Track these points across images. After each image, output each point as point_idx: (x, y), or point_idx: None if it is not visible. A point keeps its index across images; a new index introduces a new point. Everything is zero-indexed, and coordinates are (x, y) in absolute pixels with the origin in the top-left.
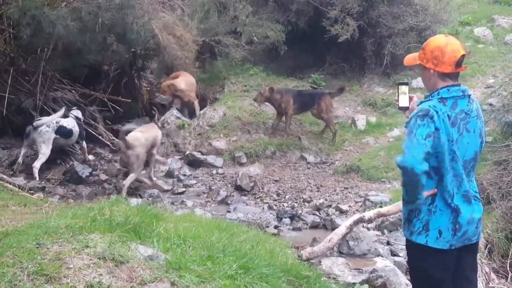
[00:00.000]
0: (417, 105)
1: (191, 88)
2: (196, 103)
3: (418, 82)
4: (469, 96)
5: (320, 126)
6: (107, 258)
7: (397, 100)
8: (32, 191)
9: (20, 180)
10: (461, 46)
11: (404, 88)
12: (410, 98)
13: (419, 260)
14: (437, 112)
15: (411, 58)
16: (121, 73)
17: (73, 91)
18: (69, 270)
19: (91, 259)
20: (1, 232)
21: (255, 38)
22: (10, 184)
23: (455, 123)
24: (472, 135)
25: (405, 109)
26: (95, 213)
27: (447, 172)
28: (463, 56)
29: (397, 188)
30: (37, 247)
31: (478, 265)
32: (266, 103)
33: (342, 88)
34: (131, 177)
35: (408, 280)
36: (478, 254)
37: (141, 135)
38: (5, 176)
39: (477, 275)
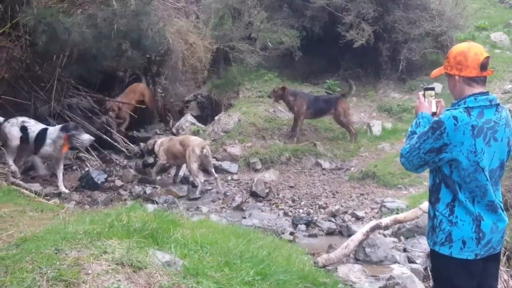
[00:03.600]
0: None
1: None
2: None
3: (436, 87)
4: (497, 105)
5: (335, 132)
6: (125, 264)
7: None
8: (48, 197)
9: (36, 186)
10: (484, 49)
11: (430, 93)
12: (437, 103)
13: (444, 270)
14: (455, 124)
15: (436, 70)
16: (136, 79)
17: (88, 97)
18: (88, 275)
19: (109, 265)
20: (20, 237)
21: (269, 43)
22: (26, 190)
23: (481, 133)
24: (499, 144)
25: (432, 114)
26: (112, 219)
27: (468, 183)
28: (487, 58)
29: (414, 194)
30: (56, 253)
31: None
32: (280, 108)
33: (350, 83)
34: None
35: (425, 287)
36: None
37: None
38: (21, 182)
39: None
